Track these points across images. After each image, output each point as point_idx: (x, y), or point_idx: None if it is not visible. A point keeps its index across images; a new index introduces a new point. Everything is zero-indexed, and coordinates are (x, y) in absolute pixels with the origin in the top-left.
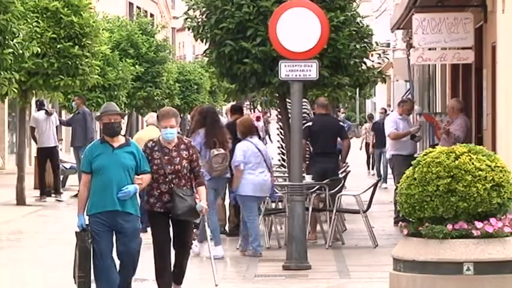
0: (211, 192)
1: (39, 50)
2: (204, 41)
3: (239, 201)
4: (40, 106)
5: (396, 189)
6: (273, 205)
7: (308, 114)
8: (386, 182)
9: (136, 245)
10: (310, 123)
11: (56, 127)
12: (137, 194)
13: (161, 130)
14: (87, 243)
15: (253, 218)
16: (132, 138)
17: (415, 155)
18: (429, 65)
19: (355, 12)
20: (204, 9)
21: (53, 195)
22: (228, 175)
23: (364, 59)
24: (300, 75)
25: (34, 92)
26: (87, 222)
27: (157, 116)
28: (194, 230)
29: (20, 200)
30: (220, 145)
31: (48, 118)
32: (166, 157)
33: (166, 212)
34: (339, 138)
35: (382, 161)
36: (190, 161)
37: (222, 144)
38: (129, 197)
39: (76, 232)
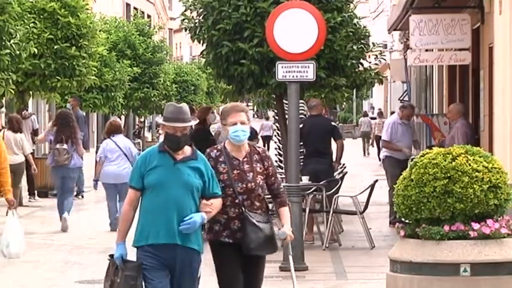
0: (59, 179)
1: (36, 51)
2: (201, 42)
3: (104, 188)
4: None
5: (392, 190)
6: (270, 206)
7: (305, 115)
8: None
9: None
10: (300, 125)
11: (36, 130)
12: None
13: (228, 129)
14: (139, 281)
15: (110, 199)
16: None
17: (412, 157)
18: (426, 66)
19: (352, 14)
20: (201, 10)
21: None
22: (72, 165)
23: (361, 60)
24: (297, 76)
25: (31, 93)
26: (129, 257)
27: (220, 114)
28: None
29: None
30: (65, 141)
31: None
32: (235, 171)
33: (237, 244)
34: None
35: None
36: (266, 176)
37: (68, 140)
38: (194, 229)
39: (119, 266)
